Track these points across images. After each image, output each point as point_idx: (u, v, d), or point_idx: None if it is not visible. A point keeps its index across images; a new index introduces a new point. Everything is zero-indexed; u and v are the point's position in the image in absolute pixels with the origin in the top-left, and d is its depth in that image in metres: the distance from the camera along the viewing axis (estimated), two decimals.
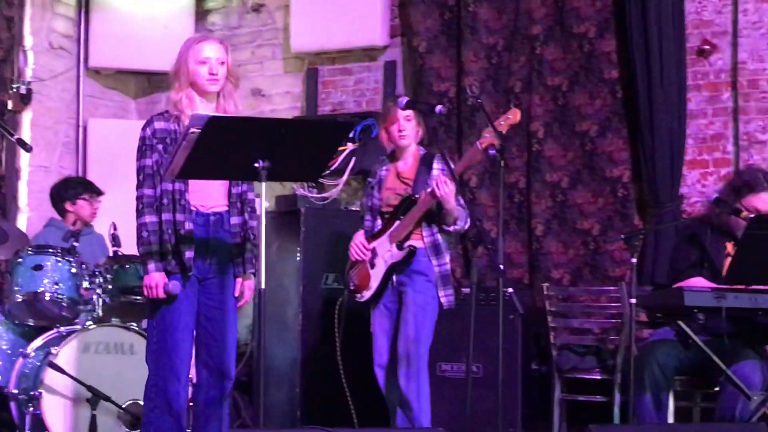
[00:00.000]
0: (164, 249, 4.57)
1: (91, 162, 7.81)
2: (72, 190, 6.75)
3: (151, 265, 4.57)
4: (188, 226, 4.57)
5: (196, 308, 4.66)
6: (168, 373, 4.59)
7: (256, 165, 4.21)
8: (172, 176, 4.34)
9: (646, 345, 5.44)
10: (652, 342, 5.37)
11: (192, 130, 4.12)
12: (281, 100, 7.88)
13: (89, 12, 7.84)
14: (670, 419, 5.17)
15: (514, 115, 5.17)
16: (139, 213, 4.61)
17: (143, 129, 4.67)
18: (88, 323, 5.87)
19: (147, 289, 4.59)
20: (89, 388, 5.60)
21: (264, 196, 4.34)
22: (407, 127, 5.36)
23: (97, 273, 5.94)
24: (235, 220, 4.69)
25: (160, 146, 4.60)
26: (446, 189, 5.11)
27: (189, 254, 4.56)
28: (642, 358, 5.19)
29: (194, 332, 4.69)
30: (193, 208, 4.61)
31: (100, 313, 5.94)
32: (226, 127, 4.24)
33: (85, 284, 5.95)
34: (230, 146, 4.22)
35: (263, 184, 4.27)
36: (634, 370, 5.12)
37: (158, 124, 4.64)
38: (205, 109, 4.61)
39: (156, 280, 4.56)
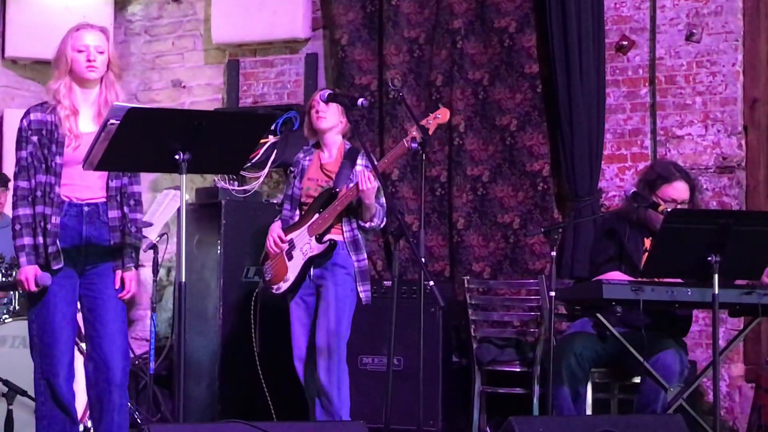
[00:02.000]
0: (36, 242, 4.53)
1: (7, 152, 7.67)
2: None
3: (23, 259, 4.53)
4: (54, 219, 4.51)
5: (75, 300, 4.61)
6: (49, 366, 4.55)
7: (177, 157, 4.18)
8: (91, 168, 4.28)
9: (564, 337, 5.50)
10: (570, 334, 5.43)
11: (111, 121, 4.07)
12: (202, 91, 7.82)
13: (6, 1, 7.70)
14: (588, 411, 5.23)
15: (443, 115, 5.18)
16: (14, 205, 4.58)
17: (21, 120, 4.63)
18: (4, 317, 5.78)
19: (20, 283, 4.56)
20: (5, 382, 5.53)
21: (184, 189, 4.30)
22: (325, 110, 5.35)
23: (12, 265, 5.85)
24: (113, 213, 4.62)
25: (35, 138, 4.55)
26: (369, 185, 5.13)
27: (53, 248, 4.50)
28: (560, 350, 5.25)
29: (76, 324, 4.65)
30: (66, 198, 4.55)
31: (17, 307, 5.86)
32: (146, 119, 4.20)
33: (1, 277, 5.86)
34: (150, 138, 4.18)
35: (184, 176, 4.24)
36: (553, 362, 5.17)
37: (34, 116, 4.59)
38: (84, 98, 4.57)
39: (27, 274, 4.51)
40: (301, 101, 7.26)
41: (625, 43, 6.68)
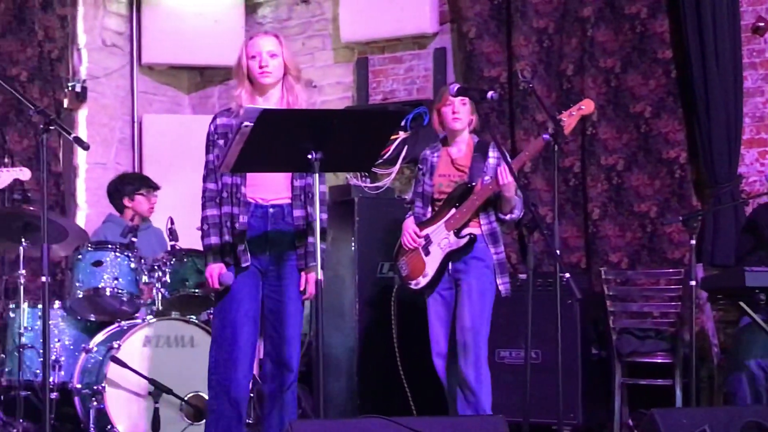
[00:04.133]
0: (223, 241, 4.65)
1: (147, 157, 7.87)
2: (129, 185, 6.82)
3: (210, 257, 4.66)
4: (243, 219, 4.63)
5: (259, 299, 4.71)
6: (226, 362, 4.66)
7: (309, 156, 4.23)
8: (226, 170, 4.37)
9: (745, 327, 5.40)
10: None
11: (245, 123, 4.14)
12: (332, 90, 7.89)
13: (140, 9, 7.90)
14: None
15: (588, 106, 5.12)
16: (202, 206, 4.73)
17: (209, 125, 4.78)
18: (148, 317, 5.92)
19: (205, 280, 4.70)
20: (151, 381, 5.65)
21: (317, 187, 4.35)
22: (461, 111, 5.34)
23: (155, 267, 5.99)
24: (297, 212, 4.71)
25: (221, 141, 4.67)
26: (509, 178, 5.09)
27: (241, 246, 4.62)
28: (744, 340, 5.15)
29: (258, 324, 4.74)
30: (251, 200, 4.66)
31: (160, 307, 6.00)
32: (279, 120, 4.26)
33: (145, 279, 6.01)
34: (283, 138, 4.24)
35: (316, 175, 4.29)
36: (732, 351, 5.07)
37: (220, 120, 4.73)
38: (264, 103, 4.67)
39: (211, 272, 4.66)
40: (431, 96, 7.25)
41: (761, 24, 6.49)
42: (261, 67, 4.66)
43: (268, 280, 4.73)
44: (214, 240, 4.67)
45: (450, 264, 5.35)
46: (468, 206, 5.28)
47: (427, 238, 5.40)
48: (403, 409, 6.07)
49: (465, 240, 5.28)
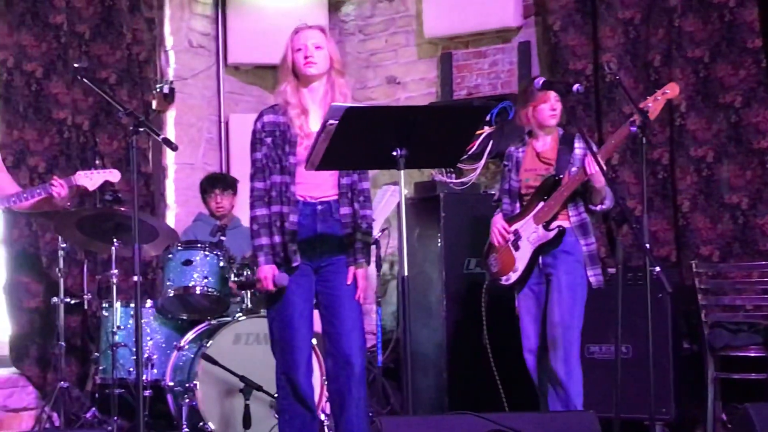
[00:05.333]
0: (273, 241, 4.63)
1: (234, 157, 7.95)
2: (202, 186, 6.92)
3: (261, 258, 4.64)
4: (293, 218, 4.61)
5: (312, 297, 4.71)
6: (289, 362, 4.67)
7: (394, 153, 4.23)
8: (312, 168, 4.38)
9: None
10: None
11: (330, 121, 4.15)
12: (416, 86, 7.88)
13: (226, 9, 7.98)
14: None
15: (673, 89, 5.06)
16: (251, 206, 4.70)
17: (255, 123, 4.77)
18: (238, 315, 5.99)
19: (258, 282, 4.66)
20: (242, 378, 5.71)
21: (402, 184, 4.35)
22: (558, 107, 5.32)
23: (244, 266, 6.05)
24: (344, 210, 4.70)
25: (268, 139, 4.67)
26: (596, 168, 5.04)
27: (292, 246, 4.61)
28: None
29: (312, 322, 4.74)
30: (300, 198, 4.65)
31: (249, 305, 6.06)
32: (363, 117, 4.26)
33: (233, 277, 6.07)
34: (368, 136, 4.24)
35: (401, 171, 4.28)
36: None
37: (267, 118, 4.72)
38: (310, 98, 4.68)
39: (265, 273, 4.62)
40: (515, 90, 7.21)
41: None
42: (306, 57, 4.65)
43: (320, 277, 4.72)
44: (264, 240, 4.64)
45: (540, 258, 5.32)
46: (556, 198, 5.25)
47: (516, 233, 5.37)
48: (495, 405, 6.04)
49: (554, 233, 5.25)
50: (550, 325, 5.25)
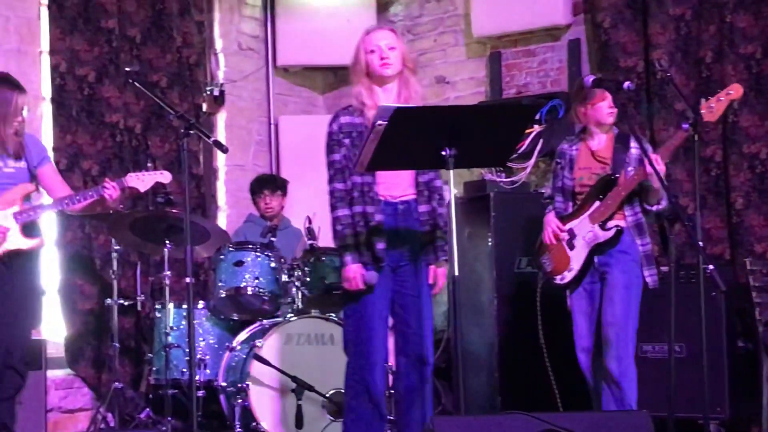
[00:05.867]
0: (358, 241, 4.65)
1: (284, 158, 7.99)
2: (260, 186, 6.96)
3: (348, 258, 4.66)
4: (378, 217, 4.63)
5: (390, 297, 4.72)
6: (364, 361, 4.67)
7: (443, 153, 4.23)
8: (362, 169, 4.39)
9: None
10: None
11: (379, 122, 4.15)
12: (465, 86, 7.87)
13: (275, 11, 8.01)
14: None
15: (736, 91, 5.00)
16: (332, 207, 4.71)
17: (330, 125, 4.76)
18: (289, 315, 6.01)
19: (346, 281, 4.66)
20: (294, 378, 5.73)
21: (452, 183, 4.35)
22: (613, 105, 5.30)
23: (295, 266, 6.08)
24: (423, 208, 4.72)
25: (346, 140, 4.67)
26: (657, 166, 5.00)
27: (380, 245, 4.62)
28: None
29: (389, 321, 4.75)
30: (381, 198, 4.67)
31: (300, 305, 6.08)
32: (412, 117, 4.27)
33: (284, 278, 6.10)
34: (417, 136, 4.25)
35: (451, 171, 4.28)
36: None
37: (344, 119, 4.73)
38: (385, 98, 4.67)
39: (354, 272, 4.64)
40: (565, 88, 7.17)
41: None
42: (382, 59, 4.66)
43: (399, 276, 4.73)
44: (349, 240, 4.66)
45: (595, 258, 5.30)
46: (613, 198, 5.22)
47: (570, 231, 5.34)
48: (548, 404, 6.01)
49: (611, 233, 5.22)
50: (605, 324, 5.22)
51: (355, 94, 4.72)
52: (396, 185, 4.70)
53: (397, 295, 4.74)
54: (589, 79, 5.05)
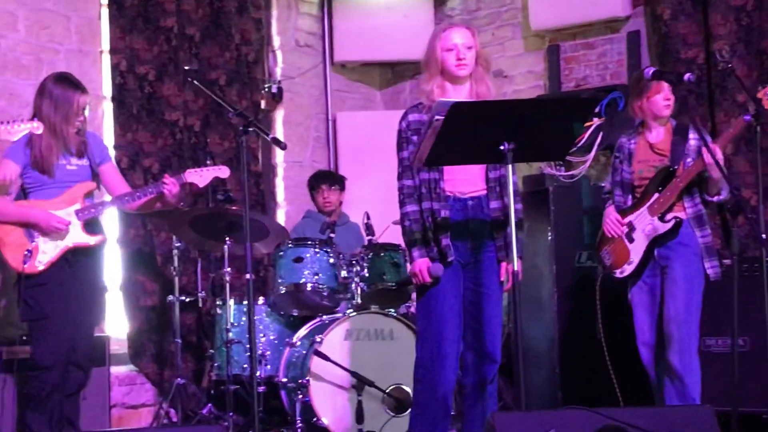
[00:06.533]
0: (426, 236, 4.64)
1: (342, 154, 8.00)
2: (318, 181, 6.98)
3: (416, 253, 4.65)
4: (444, 213, 4.61)
5: (460, 293, 4.70)
6: (434, 356, 4.64)
7: (502, 147, 4.21)
8: (420, 164, 4.38)
9: None
10: None
11: (436, 117, 4.14)
12: (523, 79, 7.83)
13: (332, 8, 8.03)
14: None
15: None
16: (401, 203, 4.71)
17: (400, 122, 4.76)
18: (348, 311, 6.02)
19: (413, 276, 4.67)
20: (354, 374, 5.74)
21: (511, 178, 4.32)
22: (672, 98, 5.25)
23: (354, 262, 6.09)
24: (494, 204, 4.68)
25: (414, 138, 4.66)
26: (715, 156, 4.95)
27: (445, 241, 4.61)
28: None
29: (462, 317, 4.73)
30: (449, 194, 4.65)
31: (359, 301, 6.09)
32: (470, 112, 4.25)
33: (344, 273, 6.11)
34: (475, 130, 4.23)
35: (509, 165, 4.26)
36: None
37: (412, 117, 4.71)
38: (457, 95, 4.64)
39: (420, 267, 4.63)
40: (625, 81, 7.11)
41: None
42: (459, 59, 4.63)
43: (469, 272, 4.71)
44: (417, 236, 4.65)
45: (655, 250, 5.25)
46: (671, 190, 5.18)
47: (629, 225, 5.31)
48: (609, 399, 5.97)
49: (670, 224, 5.18)
50: (667, 320, 5.18)
51: (427, 91, 4.68)
52: (465, 181, 4.68)
53: (467, 291, 4.72)
54: (649, 71, 5.00)
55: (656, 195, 5.22)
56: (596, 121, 6.88)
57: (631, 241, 5.31)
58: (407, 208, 4.67)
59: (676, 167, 5.18)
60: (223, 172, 5.64)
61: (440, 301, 4.65)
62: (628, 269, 5.33)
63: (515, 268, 4.25)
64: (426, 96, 4.69)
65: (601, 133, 6.88)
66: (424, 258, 4.63)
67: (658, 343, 5.27)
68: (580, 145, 6.75)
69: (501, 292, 4.72)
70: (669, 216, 5.20)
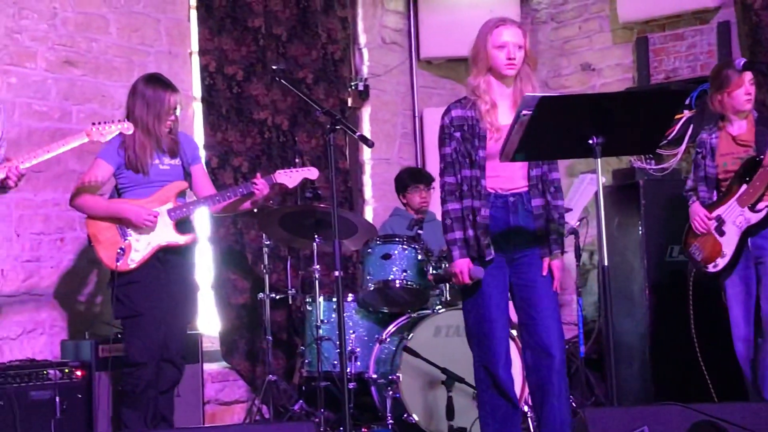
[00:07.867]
0: (467, 235, 4.60)
1: (429, 151, 8.01)
2: (400, 182, 6.99)
3: (456, 252, 4.60)
4: (484, 211, 4.56)
5: (507, 290, 4.66)
6: (487, 355, 4.62)
7: (590, 141, 4.18)
8: (507, 159, 4.35)
9: None
10: None
11: (524, 112, 4.12)
12: (611, 72, 7.76)
13: (417, 4, 8.04)
14: None
15: None
16: (443, 201, 4.67)
17: (442, 117, 4.72)
18: (437, 307, 6.02)
19: (454, 276, 4.64)
20: (443, 370, 5.74)
21: (600, 172, 4.29)
22: (753, 91, 5.17)
23: (441, 258, 6.08)
24: (536, 201, 4.63)
25: (457, 134, 4.63)
26: None
27: (484, 240, 4.56)
28: None
29: (508, 314, 4.69)
30: (491, 190, 4.60)
31: (448, 297, 6.09)
32: (558, 106, 4.23)
33: (431, 270, 6.11)
34: (563, 125, 4.20)
35: (598, 159, 4.23)
36: None
37: (455, 112, 4.67)
38: (501, 91, 4.61)
39: (460, 267, 4.59)
40: None
41: None
42: (509, 59, 4.57)
43: (515, 269, 4.66)
44: (458, 234, 4.60)
45: (749, 240, 5.17)
46: (760, 179, 5.11)
47: (718, 218, 5.23)
48: (702, 395, 5.90)
49: (763, 213, 5.12)
50: (764, 314, 5.09)
51: (473, 86, 4.64)
52: (506, 178, 4.62)
53: (515, 287, 4.67)
54: (740, 62, 4.94)
55: (744, 186, 5.14)
56: (686, 114, 6.79)
57: (722, 234, 5.23)
58: (449, 205, 4.63)
59: (762, 156, 5.10)
60: (312, 173, 5.67)
61: (486, 300, 4.61)
62: (721, 263, 5.26)
63: (605, 262, 4.19)
64: (472, 91, 4.64)
65: (691, 126, 6.80)
66: (465, 258, 4.58)
67: (755, 338, 5.18)
68: (670, 137, 6.68)
69: (550, 286, 4.63)
70: (761, 205, 5.12)
